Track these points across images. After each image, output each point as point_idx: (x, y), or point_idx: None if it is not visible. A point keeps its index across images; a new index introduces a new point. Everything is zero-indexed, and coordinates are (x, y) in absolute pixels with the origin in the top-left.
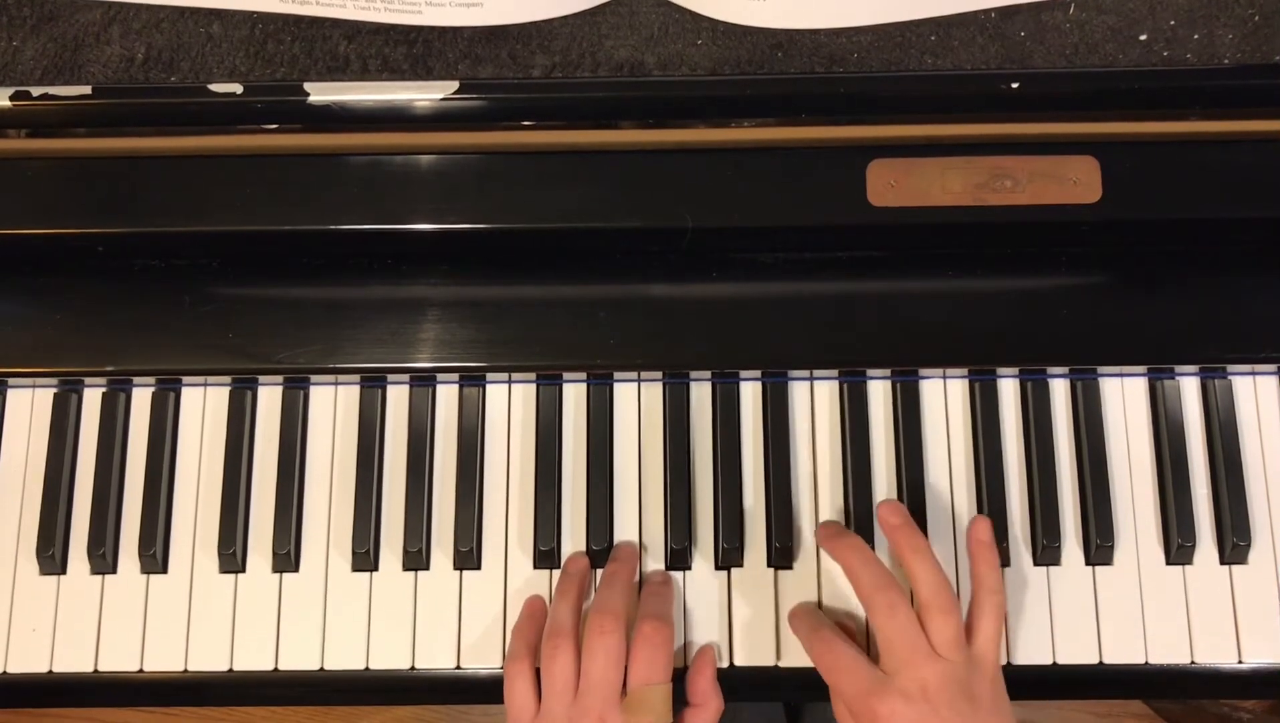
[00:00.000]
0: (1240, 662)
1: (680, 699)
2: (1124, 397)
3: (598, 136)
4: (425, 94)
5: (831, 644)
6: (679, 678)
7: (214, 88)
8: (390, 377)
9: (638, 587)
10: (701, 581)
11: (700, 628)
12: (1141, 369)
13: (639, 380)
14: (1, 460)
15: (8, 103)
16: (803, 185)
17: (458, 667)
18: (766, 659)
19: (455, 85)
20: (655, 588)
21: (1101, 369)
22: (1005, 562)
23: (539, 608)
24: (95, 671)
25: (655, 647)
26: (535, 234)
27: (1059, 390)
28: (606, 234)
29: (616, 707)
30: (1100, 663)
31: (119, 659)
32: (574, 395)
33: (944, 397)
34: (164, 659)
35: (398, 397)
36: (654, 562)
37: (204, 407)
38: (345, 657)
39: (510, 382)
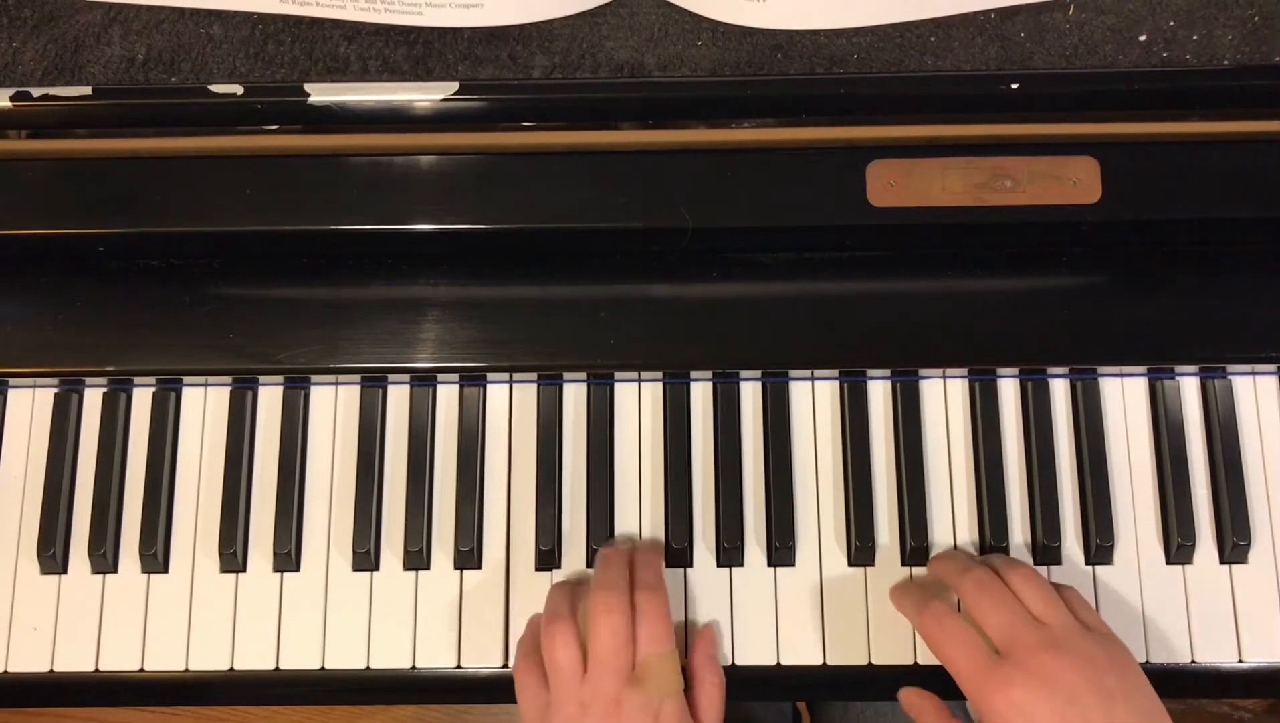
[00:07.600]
0: (1240, 661)
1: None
2: (1124, 397)
3: (598, 137)
4: (425, 95)
5: (942, 618)
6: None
7: (214, 88)
8: (391, 377)
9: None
10: (702, 579)
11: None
12: (1141, 369)
13: (639, 380)
14: (2, 460)
15: (8, 103)
16: (803, 185)
17: (458, 666)
18: (768, 659)
19: (455, 86)
20: (643, 557)
21: (1101, 369)
22: None
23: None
24: (96, 670)
25: (654, 617)
26: (535, 234)
27: (1059, 390)
28: (606, 234)
29: (629, 683)
30: None
31: (120, 659)
32: (574, 395)
33: (944, 397)
34: (165, 659)
35: (398, 397)
36: None
37: (205, 407)
38: (346, 657)
39: (511, 381)
